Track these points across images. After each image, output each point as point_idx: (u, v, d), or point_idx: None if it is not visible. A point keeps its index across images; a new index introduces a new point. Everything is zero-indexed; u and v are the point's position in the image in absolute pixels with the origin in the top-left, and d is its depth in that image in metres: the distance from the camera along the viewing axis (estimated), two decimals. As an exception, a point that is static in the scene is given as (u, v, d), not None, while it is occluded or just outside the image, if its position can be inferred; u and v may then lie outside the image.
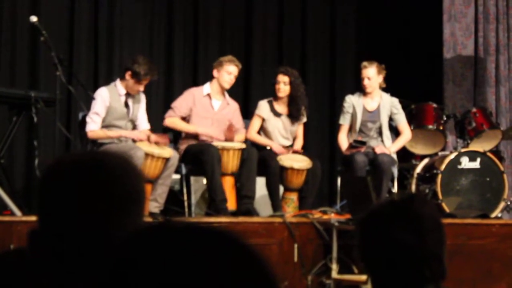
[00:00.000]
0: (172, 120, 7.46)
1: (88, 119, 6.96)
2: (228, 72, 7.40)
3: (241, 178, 7.27)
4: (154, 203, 6.89)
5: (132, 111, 7.12)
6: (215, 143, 7.20)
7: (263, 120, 7.72)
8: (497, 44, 9.41)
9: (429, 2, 9.71)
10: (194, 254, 1.09)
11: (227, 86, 7.46)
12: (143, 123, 7.24)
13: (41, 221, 1.78)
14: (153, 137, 7.07)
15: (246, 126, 7.78)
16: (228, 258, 1.11)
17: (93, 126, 6.94)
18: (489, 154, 7.74)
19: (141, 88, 7.00)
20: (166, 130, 7.57)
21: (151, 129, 7.32)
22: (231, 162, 7.22)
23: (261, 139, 7.67)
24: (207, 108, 7.49)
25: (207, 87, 7.51)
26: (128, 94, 7.06)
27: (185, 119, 7.48)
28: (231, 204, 7.16)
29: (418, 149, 8.25)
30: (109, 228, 1.73)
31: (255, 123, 7.72)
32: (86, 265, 1.67)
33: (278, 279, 1.14)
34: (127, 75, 6.96)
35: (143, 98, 7.23)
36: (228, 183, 7.20)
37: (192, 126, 7.39)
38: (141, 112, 7.23)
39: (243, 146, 7.32)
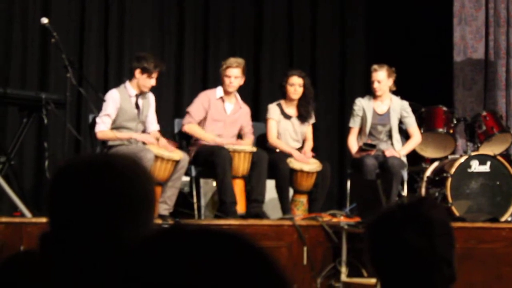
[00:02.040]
0: (190, 126, 7.46)
1: (98, 119, 6.98)
2: (227, 76, 7.40)
3: (251, 181, 7.26)
4: (164, 205, 6.89)
5: (142, 112, 7.13)
6: (226, 146, 7.20)
7: (273, 122, 7.73)
8: (507, 48, 9.39)
9: (440, 5, 9.69)
10: (206, 258, 1.09)
11: (230, 89, 7.45)
12: (153, 124, 7.25)
13: (52, 223, 1.78)
14: (162, 141, 7.08)
15: (256, 129, 7.77)
16: (240, 261, 1.11)
17: (103, 127, 6.96)
18: (499, 157, 7.73)
19: (154, 82, 7.01)
20: (181, 135, 7.58)
21: (161, 130, 7.33)
22: (241, 165, 7.22)
23: (284, 146, 7.63)
24: (220, 111, 7.49)
25: (219, 90, 7.52)
26: (138, 96, 7.07)
27: (199, 121, 7.49)
28: (241, 207, 7.15)
29: (428, 153, 8.23)
30: (119, 230, 1.73)
31: (272, 127, 7.69)
32: (97, 267, 1.68)
33: (289, 281, 1.14)
34: (137, 73, 6.98)
35: (152, 99, 7.24)
36: (238, 186, 7.20)
37: (211, 135, 7.38)
38: (151, 113, 7.24)
39: (254, 149, 7.32)
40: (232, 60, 7.44)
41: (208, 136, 7.38)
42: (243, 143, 7.50)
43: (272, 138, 7.67)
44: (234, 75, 7.40)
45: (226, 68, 7.39)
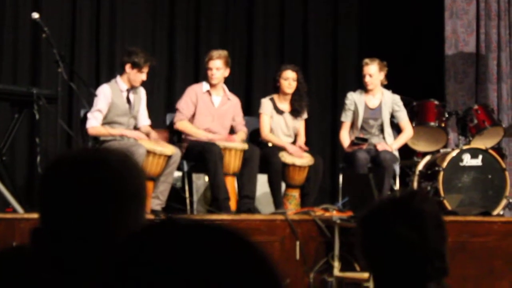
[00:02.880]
0: (182, 124, 7.45)
1: (89, 115, 6.96)
2: (209, 68, 7.43)
3: (242, 178, 7.25)
4: (156, 200, 6.88)
5: (133, 107, 7.12)
6: (217, 143, 7.18)
7: (265, 117, 7.72)
8: (498, 41, 9.40)
9: (431, -1, 9.71)
10: (198, 251, 1.09)
11: (213, 81, 7.44)
12: (144, 119, 7.24)
13: (43, 218, 1.77)
14: (153, 135, 7.08)
15: (248, 124, 7.76)
16: (232, 255, 1.11)
17: (94, 123, 6.94)
18: (491, 151, 7.74)
19: (144, 76, 7.01)
20: (172, 130, 7.56)
21: (152, 125, 7.32)
22: (232, 162, 7.20)
23: (277, 140, 7.62)
24: (208, 105, 7.48)
25: (206, 84, 7.51)
26: (129, 90, 7.06)
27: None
28: (232, 205, 7.14)
29: (420, 146, 8.24)
30: (110, 225, 1.73)
31: (266, 121, 7.68)
32: (88, 262, 1.67)
33: (281, 275, 1.14)
34: (127, 68, 6.98)
35: (143, 93, 7.24)
36: (229, 184, 7.19)
37: (202, 132, 7.37)
38: (142, 108, 7.24)
39: (245, 146, 7.30)
40: (213, 52, 7.47)
41: (200, 132, 7.37)
42: (236, 138, 7.47)
43: (265, 132, 7.67)
44: (216, 66, 7.40)
45: (208, 61, 7.43)
